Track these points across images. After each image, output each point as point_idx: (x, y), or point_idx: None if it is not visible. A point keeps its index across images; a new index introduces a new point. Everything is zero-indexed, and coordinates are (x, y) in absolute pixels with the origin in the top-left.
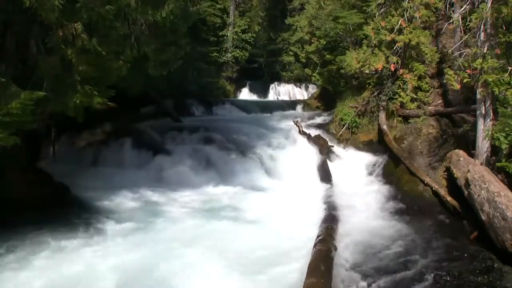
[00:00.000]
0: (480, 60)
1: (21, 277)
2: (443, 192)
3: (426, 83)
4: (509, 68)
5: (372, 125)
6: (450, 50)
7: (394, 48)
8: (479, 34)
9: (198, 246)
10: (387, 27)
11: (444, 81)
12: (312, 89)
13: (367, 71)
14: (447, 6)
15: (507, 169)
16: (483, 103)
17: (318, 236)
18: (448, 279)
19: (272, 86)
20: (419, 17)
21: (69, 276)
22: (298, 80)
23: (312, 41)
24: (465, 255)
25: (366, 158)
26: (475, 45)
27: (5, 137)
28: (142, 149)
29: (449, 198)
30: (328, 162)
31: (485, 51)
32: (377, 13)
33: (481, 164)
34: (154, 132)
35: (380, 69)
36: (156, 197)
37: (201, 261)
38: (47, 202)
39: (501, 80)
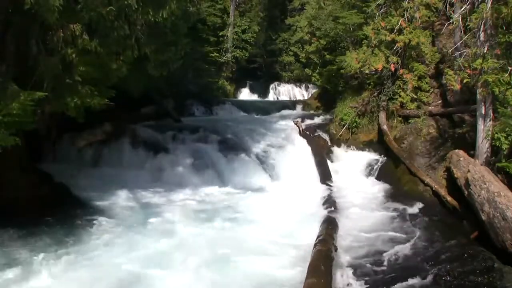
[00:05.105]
0: (480, 60)
1: (19, 277)
2: (443, 192)
3: (426, 83)
4: (509, 68)
5: (372, 125)
6: (450, 50)
7: (394, 48)
8: (479, 34)
9: (194, 248)
10: (387, 27)
11: (444, 81)
12: (312, 89)
13: (367, 71)
14: (447, 6)
15: (507, 169)
16: (483, 103)
17: (318, 236)
18: (448, 279)
19: (272, 86)
20: (419, 17)
21: (65, 276)
22: (298, 80)
23: (312, 41)
24: (465, 255)
25: (366, 158)
26: (475, 45)
27: (5, 137)
28: (142, 149)
29: (449, 198)
30: (328, 162)
31: (485, 51)
32: (377, 14)
33: (481, 164)
34: (154, 132)
35: (380, 69)
36: (156, 198)
37: (195, 263)
38: (47, 202)
39: (501, 80)
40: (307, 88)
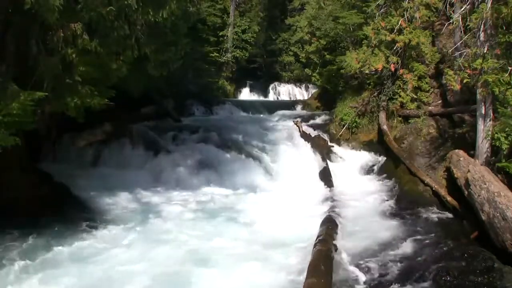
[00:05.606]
0: (480, 60)
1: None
2: (443, 192)
3: (426, 83)
4: (509, 68)
5: (372, 125)
6: (450, 50)
7: (394, 48)
8: (479, 34)
9: (192, 249)
10: (387, 27)
11: (444, 81)
12: (312, 89)
13: (367, 71)
14: (447, 6)
15: (507, 169)
16: (483, 103)
17: (318, 236)
18: (448, 279)
19: (272, 86)
20: (419, 17)
21: (62, 276)
22: (298, 80)
23: (312, 41)
24: (465, 255)
25: (366, 158)
26: (475, 45)
27: (5, 137)
28: (142, 149)
29: (449, 198)
30: (328, 162)
31: (485, 51)
32: (377, 14)
33: (481, 164)
34: (154, 132)
35: (380, 69)
36: (156, 198)
37: (193, 264)
38: (47, 202)
39: (501, 80)
40: (307, 88)
